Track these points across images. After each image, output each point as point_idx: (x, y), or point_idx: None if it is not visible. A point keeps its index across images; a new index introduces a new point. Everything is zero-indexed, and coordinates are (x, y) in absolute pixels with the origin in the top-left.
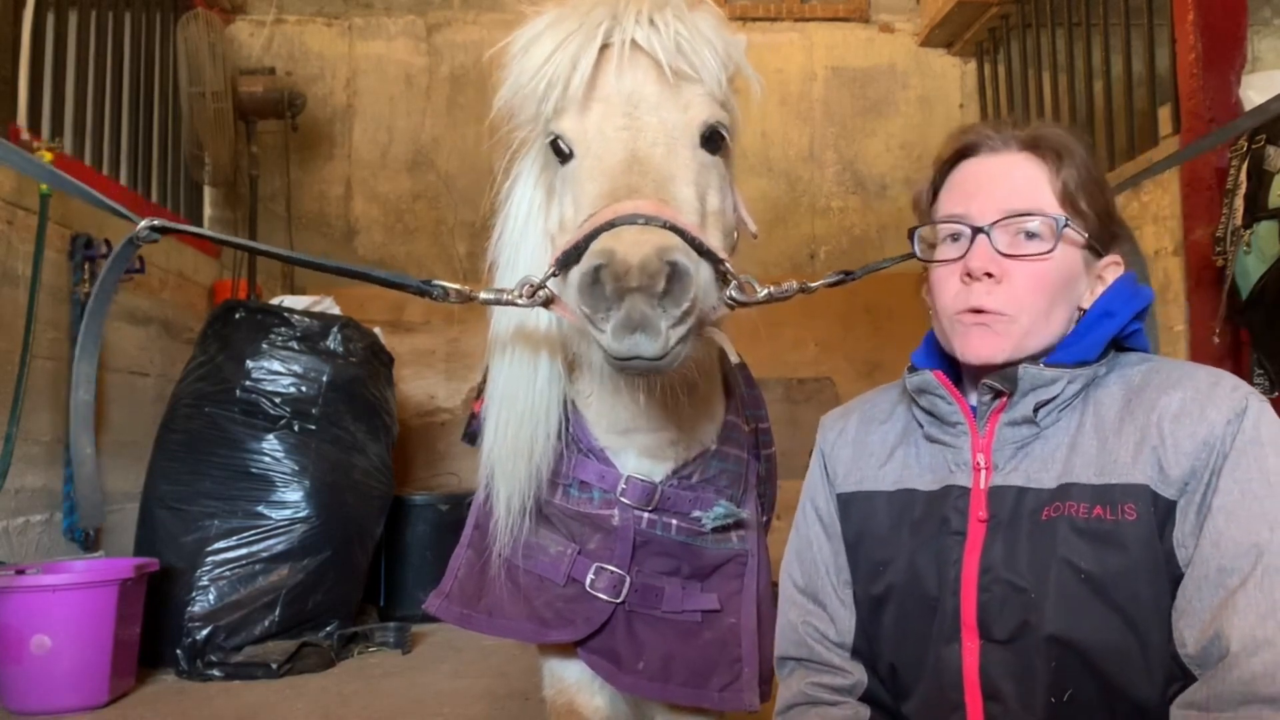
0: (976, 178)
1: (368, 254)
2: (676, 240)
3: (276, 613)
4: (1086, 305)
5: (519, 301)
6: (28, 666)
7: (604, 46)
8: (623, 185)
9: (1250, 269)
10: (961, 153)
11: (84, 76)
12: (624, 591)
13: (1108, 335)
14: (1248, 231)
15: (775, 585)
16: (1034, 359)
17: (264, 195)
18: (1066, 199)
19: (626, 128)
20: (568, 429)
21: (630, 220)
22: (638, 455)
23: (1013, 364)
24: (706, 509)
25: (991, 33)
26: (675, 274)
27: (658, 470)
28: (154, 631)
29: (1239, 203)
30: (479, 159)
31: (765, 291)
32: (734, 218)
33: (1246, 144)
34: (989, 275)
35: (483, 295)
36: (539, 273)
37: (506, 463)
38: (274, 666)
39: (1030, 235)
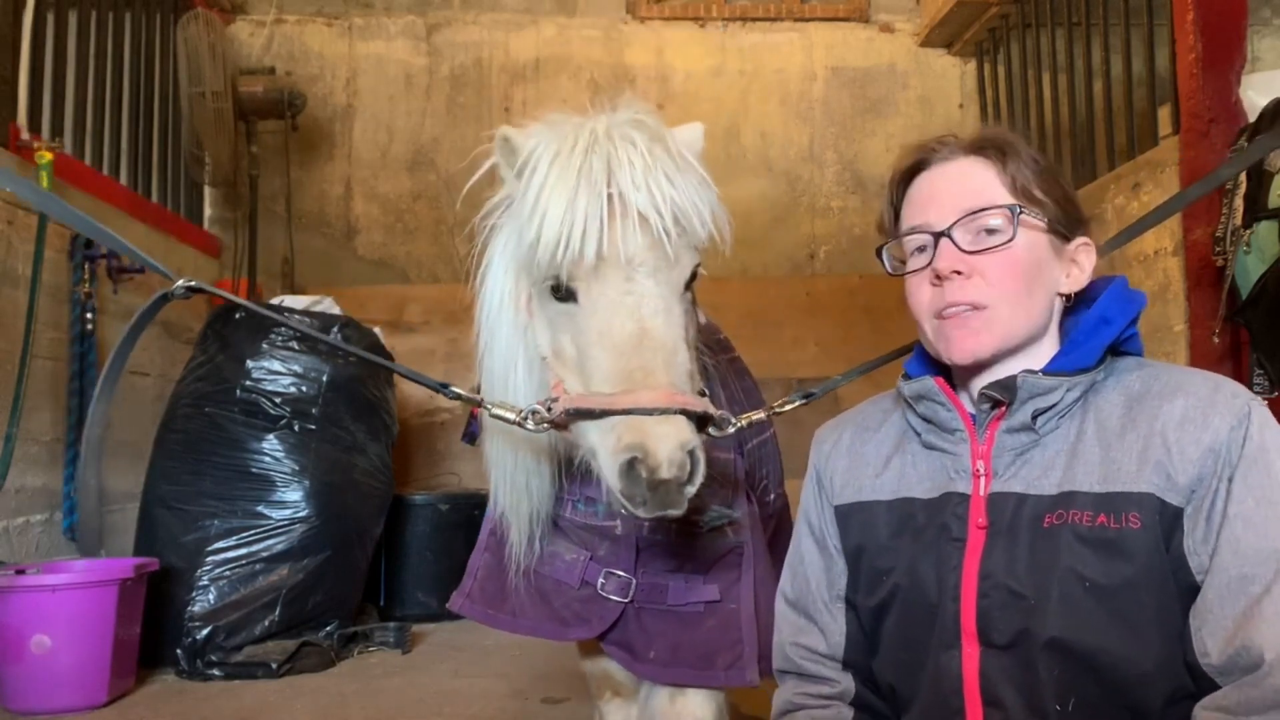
0: (931, 188)
1: (368, 254)
2: (690, 431)
3: (276, 612)
4: (1065, 290)
5: (527, 426)
6: (28, 666)
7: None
8: (638, 367)
9: (1250, 269)
10: (913, 169)
11: (84, 76)
12: (631, 592)
13: (1105, 342)
14: (1247, 231)
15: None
16: (1015, 351)
17: (264, 195)
18: (1020, 190)
19: (629, 293)
20: (563, 475)
21: (648, 412)
22: None
23: (1001, 356)
24: (701, 513)
25: (991, 33)
26: (694, 460)
27: None
28: (154, 631)
29: (1239, 202)
30: (479, 159)
31: (738, 425)
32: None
33: (1247, 144)
34: (958, 273)
35: (494, 411)
36: (512, 360)
37: (510, 512)
38: (274, 666)
39: (991, 231)
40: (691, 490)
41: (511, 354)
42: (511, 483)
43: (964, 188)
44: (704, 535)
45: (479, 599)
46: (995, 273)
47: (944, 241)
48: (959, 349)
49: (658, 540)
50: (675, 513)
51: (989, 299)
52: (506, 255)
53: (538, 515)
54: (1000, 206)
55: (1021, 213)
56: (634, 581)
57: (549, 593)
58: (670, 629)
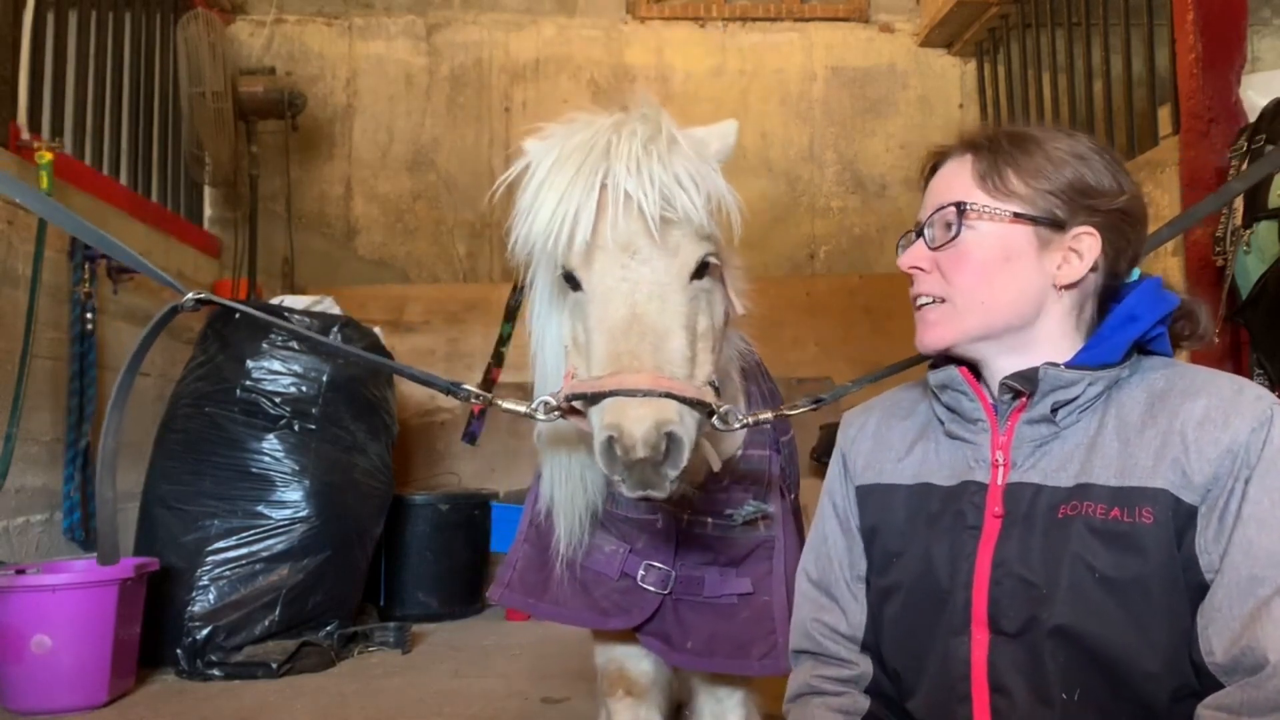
0: (929, 186)
1: (368, 254)
2: (672, 411)
3: (276, 612)
4: (1064, 281)
5: (538, 416)
6: (28, 666)
7: (602, 186)
8: (625, 350)
9: (1250, 269)
10: (934, 168)
11: (84, 76)
12: (670, 584)
13: (1131, 338)
14: (1247, 231)
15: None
16: (990, 340)
17: (264, 195)
18: (989, 183)
19: (625, 279)
20: None
21: (631, 394)
22: None
23: (961, 345)
24: (737, 507)
25: (991, 33)
26: (672, 442)
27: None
28: (154, 631)
29: (1239, 202)
30: (479, 159)
31: (744, 421)
32: (723, 316)
33: (1247, 144)
34: (920, 269)
35: (504, 405)
36: (559, 356)
37: (564, 503)
38: (274, 666)
39: (948, 226)
40: (672, 473)
41: (561, 349)
42: (567, 475)
43: (942, 185)
44: (737, 528)
45: (519, 588)
46: (948, 267)
47: (919, 239)
48: (919, 340)
49: (695, 534)
50: (657, 494)
51: (946, 293)
52: (548, 268)
53: (591, 506)
54: (947, 205)
55: (968, 208)
56: (673, 574)
57: (589, 584)
58: (706, 621)
